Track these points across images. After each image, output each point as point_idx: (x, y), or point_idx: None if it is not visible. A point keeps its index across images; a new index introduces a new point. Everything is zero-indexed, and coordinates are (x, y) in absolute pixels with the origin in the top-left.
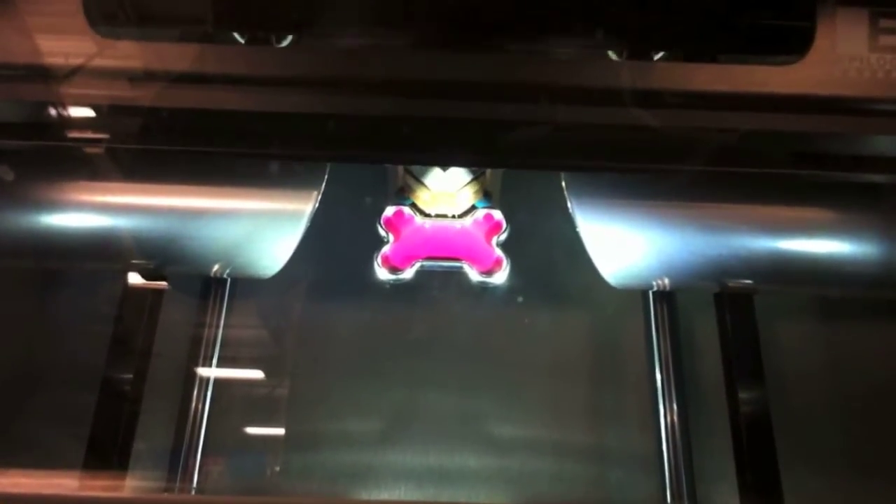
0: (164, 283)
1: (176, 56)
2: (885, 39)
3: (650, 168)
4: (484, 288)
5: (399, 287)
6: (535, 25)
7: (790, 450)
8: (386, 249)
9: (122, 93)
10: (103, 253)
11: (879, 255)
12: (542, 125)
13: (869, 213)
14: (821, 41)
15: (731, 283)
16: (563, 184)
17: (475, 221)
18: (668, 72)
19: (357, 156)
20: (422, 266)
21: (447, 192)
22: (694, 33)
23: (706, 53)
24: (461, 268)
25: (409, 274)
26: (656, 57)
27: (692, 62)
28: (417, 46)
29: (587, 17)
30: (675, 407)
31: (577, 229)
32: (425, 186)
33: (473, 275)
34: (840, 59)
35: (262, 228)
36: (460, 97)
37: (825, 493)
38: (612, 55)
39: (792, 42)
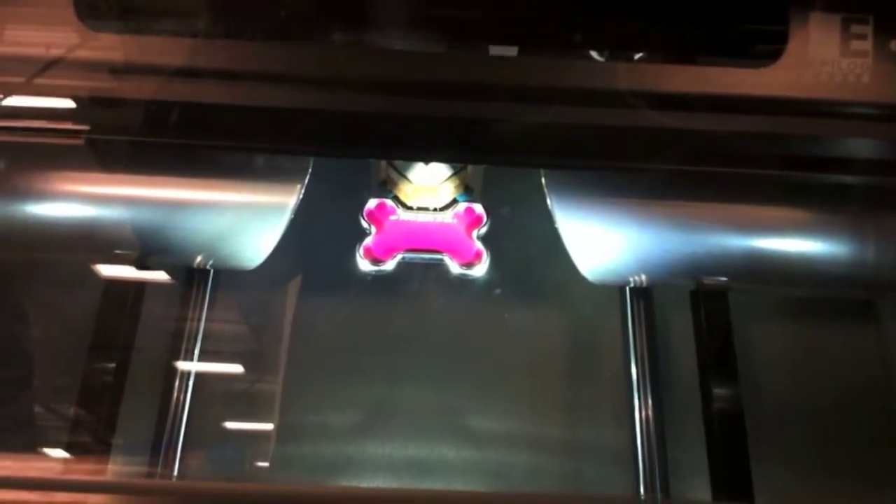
0: (146, 274)
1: (162, 49)
2: (857, 44)
3: (628, 167)
4: (464, 280)
5: (381, 278)
6: (515, 26)
7: (762, 445)
8: (368, 241)
9: (109, 85)
10: (87, 243)
11: (849, 255)
12: (521, 123)
13: (840, 213)
14: (794, 45)
15: (706, 280)
16: (543, 181)
17: (456, 215)
18: (645, 73)
19: (340, 151)
20: (403, 258)
21: (429, 186)
22: (671, 36)
23: (683, 56)
24: (442, 260)
25: (390, 266)
26: (635, 58)
27: (669, 64)
28: (401, 46)
29: (567, 18)
30: (649, 402)
31: (556, 225)
32: (408, 180)
33: (454, 267)
34: (812, 63)
35: (246, 220)
36: (443, 96)
37: (795, 488)
38: (591, 56)
39: (766, 46)
